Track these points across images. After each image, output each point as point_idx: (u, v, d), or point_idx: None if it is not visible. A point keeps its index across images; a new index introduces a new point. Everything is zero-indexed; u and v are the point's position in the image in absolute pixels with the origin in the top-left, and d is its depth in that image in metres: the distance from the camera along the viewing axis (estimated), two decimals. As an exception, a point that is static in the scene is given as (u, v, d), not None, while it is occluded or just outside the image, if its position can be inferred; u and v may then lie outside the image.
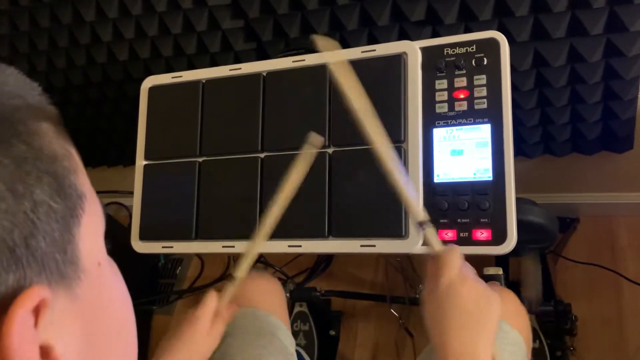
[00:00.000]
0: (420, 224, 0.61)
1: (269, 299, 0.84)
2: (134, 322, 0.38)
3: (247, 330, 0.77)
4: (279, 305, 0.85)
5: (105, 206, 1.68)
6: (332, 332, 1.33)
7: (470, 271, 0.59)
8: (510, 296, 0.78)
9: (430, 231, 0.61)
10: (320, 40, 0.62)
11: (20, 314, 0.26)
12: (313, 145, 0.67)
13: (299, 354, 1.24)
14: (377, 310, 1.36)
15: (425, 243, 0.63)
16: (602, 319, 1.20)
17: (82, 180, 0.33)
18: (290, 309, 1.32)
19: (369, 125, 0.60)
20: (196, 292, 1.53)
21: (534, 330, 1.13)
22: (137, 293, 1.51)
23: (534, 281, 1.11)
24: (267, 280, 0.88)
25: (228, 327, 0.78)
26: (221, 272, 1.49)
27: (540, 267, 1.10)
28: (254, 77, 0.84)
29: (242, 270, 0.69)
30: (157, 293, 1.61)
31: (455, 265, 0.57)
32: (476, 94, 0.73)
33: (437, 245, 0.61)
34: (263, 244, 0.68)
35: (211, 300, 0.69)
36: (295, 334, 1.30)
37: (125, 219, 1.66)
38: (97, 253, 0.34)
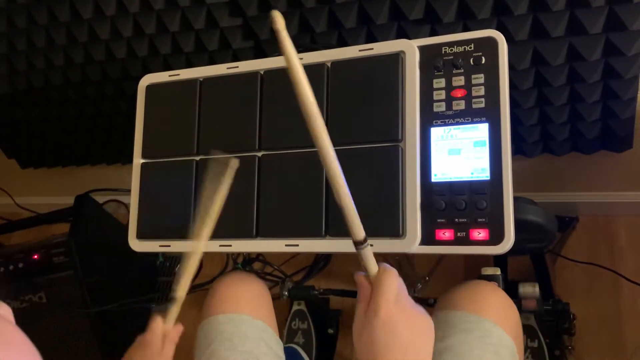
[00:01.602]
0: (359, 244, 0.57)
1: (254, 303, 0.84)
2: None
3: (232, 337, 0.77)
4: (264, 308, 0.85)
5: (105, 204, 1.68)
6: (331, 331, 1.33)
7: (404, 293, 0.57)
8: (497, 292, 0.77)
9: (367, 251, 0.58)
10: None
11: None
12: (232, 168, 0.71)
13: (297, 353, 1.25)
14: (376, 309, 1.36)
15: (361, 262, 0.59)
16: (600, 318, 1.20)
17: None
18: (289, 307, 1.32)
19: (316, 130, 0.54)
20: (194, 290, 1.53)
21: (532, 330, 1.13)
22: (135, 291, 1.51)
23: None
24: (251, 283, 0.88)
25: (212, 333, 0.79)
26: (220, 270, 1.49)
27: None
28: (251, 75, 0.84)
29: (182, 289, 0.71)
30: (156, 291, 1.61)
31: (393, 291, 0.55)
32: (474, 93, 0.72)
33: (373, 267, 0.58)
34: (198, 260, 0.71)
35: (157, 325, 0.71)
36: (293, 333, 1.30)
37: (124, 217, 1.66)
38: None
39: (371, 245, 0.58)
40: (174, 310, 0.72)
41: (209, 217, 0.70)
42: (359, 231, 0.56)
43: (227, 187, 0.71)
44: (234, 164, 0.71)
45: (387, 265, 0.58)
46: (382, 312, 0.54)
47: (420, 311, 0.57)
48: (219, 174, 0.71)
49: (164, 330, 0.71)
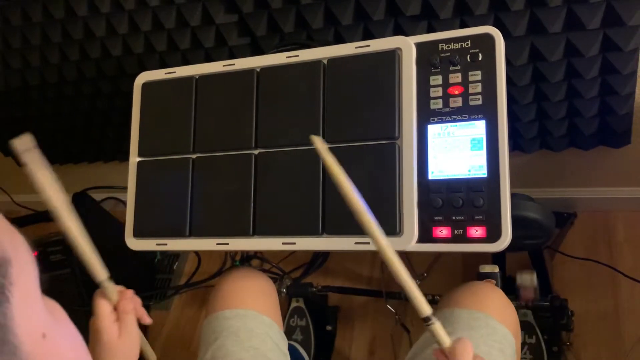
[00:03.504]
0: (426, 320, 0.56)
1: (261, 299, 0.84)
2: None
3: (238, 331, 0.77)
4: (270, 304, 0.84)
5: (102, 202, 1.68)
6: (329, 328, 1.33)
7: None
8: (497, 293, 0.78)
9: (437, 326, 0.57)
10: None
11: None
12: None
13: (296, 350, 1.25)
14: (374, 306, 1.36)
15: (434, 338, 0.58)
16: (598, 314, 1.20)
17: (2, 239, 0.27)
18: (287, 304, 1.32)
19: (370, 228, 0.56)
20: (193, 288, 1.53)
21: (530, 326, 1.13)
22: (134, 288, 1.50)
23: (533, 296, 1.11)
24: (258, 278, 0.88)
25: (219, 328, 0.78)
26: (218, 267, 1.49)
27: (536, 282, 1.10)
28: (247, 72, 0.83)
29: (100, 274, 0.66)
30: (154, 288, 1.61)
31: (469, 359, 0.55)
32: (471, 90, 0.72)
33: (446, 340, 0.57)
34: (89, 246, 0.65)
35: (101, 306, 0.65)
36: (292, 330, 1.30)
37: (121, 215, 1.65)
38: (39, 324, 0.29)
39: (439, 321, 0.57)
40: (109, 287, 0.66)
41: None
42: (425, 308, 0.56)
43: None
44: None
45: (462, 338, 0.57)
46: None
47: None
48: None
49: (110, 308, 0.66)
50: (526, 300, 1.10)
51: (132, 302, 0.67)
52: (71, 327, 0.34)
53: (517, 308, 1.11)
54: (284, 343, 0.82)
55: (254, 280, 0.87)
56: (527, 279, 1.08)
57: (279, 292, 1.25)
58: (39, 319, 0.29)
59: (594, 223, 1.31)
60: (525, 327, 1.13)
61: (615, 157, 1.16)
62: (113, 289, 0.67)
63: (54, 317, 0.31)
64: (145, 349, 0.73)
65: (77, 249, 0.65)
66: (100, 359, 0.63)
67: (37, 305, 0.29)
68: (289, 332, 1.30)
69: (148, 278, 1.63)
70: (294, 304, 1.32)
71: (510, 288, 1.07)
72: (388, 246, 0.56)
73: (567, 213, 1.32)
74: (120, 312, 0.66)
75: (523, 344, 1.12)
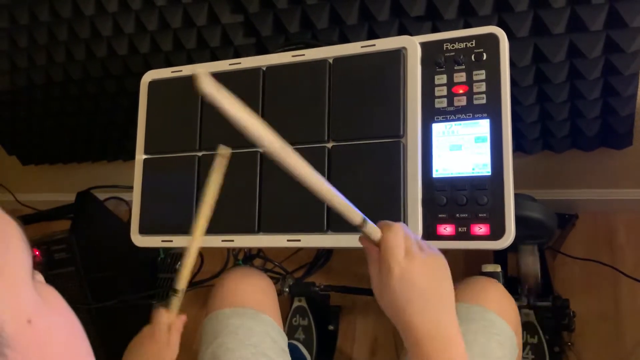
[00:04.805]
0: (360, 226, 0.57)
1: (260, 297, 0.84)
2: (87, 355, 0.34)
3: (238, 330, 0.78)
4: (270, 303, 0.85)
5: (105, 201, 1.68)
6: (331, 327, 1.34)
7: (411, 243, 0.57)
8: (497, 286, 0.79)
9: (370, 229, 0.58)
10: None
11: None
12: (223, 156, 0.70)
13: (298, 349, 1.25)
14: (376, 305, 1.34)
15: (366, 238, 0.59)
16: (600, 314, 1.20)
17: None
18: (289, 303, 1.33)
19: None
20: (195, 287, 1.53)
21: (532, 326, 1.13)
22: (136, 287, 1.51)
23: (533, 271, 1.11)
24: (258, 277, 0.89)
25: (219, 327, 0.80)
26: (221, 267, 1.49)
27: (538, 258, 1.10)
28: (253, 71, 0.84)
29: (183, 282, 0.74)
30: (156, 287, 1.62)
31: (400, 247, 0.56)
32: (475, 89, 0.73)
33: (377, 234, 0.58)
34: (197, 250, 0.74)
35: (162, 316, 0.73)
36: (294, 329, 1.30)
37: (125, 214, 1.66)
38: (24, 310, 0.29)
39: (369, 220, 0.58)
40: (176, 301, 0.74)
41: (204, 206, 0.72)
42: (355, 216, 0.57)
43: (219, 176, 0.71)
44: (225, 152, 0.71)
45: (388, 222, 0.58)
46: (395, 271, 0.55)
47: (429, 253, 0.58)
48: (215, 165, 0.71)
49: (168, 321, 0.73)
50: (528, 286, 1.11)
51: (182, 325, 0.75)
52: (68, 316, 0.33)
53: (520, 308, 1.12)
54: (283, 341, 0.83)
55: (253, 279, 0.88)
56: (530, 262, 1.09)
57: (282, 292, 1.25)
58: (24, 303, 0.29)
59: (596, 224, 1.32)
60: (527, 327, 1.13)
61: (617, 158, 1.16)
62: (178, 304, 0.74)
63: (48, 305, 0.31)
64: None
65: (189, 249, 0.73)
66: (149, 358, 0.71)
67: (23, 290, 0.29)
68: (291, 332, 1.30)
69: (150, 277, 1.63)
70: (296, 304, 1.32)
71: (512, 288, 1.08)
72: (293, 157, 0.52)
73: (569, 214, 1.32)
74: (174, 328, 0.74)
75: (525, 344, 1.13)
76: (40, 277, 0.34)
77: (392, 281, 0.55)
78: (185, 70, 0.89)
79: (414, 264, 0.56)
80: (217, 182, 0.71)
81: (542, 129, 1.12)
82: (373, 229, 0.58)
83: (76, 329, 0.34)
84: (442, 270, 0.58)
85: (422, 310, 0.55)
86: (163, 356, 0.72)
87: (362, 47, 0.78)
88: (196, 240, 0.73)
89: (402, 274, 0.55)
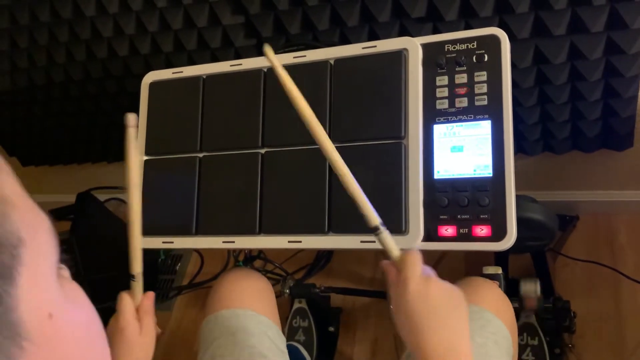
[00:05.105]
0: (375, 229, 0.58)
1: (258, 299, 0.85)
2: (105, 354, 0.34)
3: (236, 331, 0.78)
4: (267, 304, 0.85)
5: (106, 202, 1.68)
6: (331, 329, 1.34)
7: (429, 270, 0.58)
8: (493, 287, 0.80)
9: (385, 236, 0.59)
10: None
11: None
12: (130, 125, 0.67)
13: (298, 351, 1.25)
14: (377, 307, 1.36)
15: (382, 248, 0.60)
16: (601, 316, 1.20)
17: (16, 218, 0.27)
18: (290, 305, 1.33)
19: (316, 129, 0.60)
20: (196, 288, 1.53)
21: (533, 328, 1.13)
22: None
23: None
24: (255, 279, 0.89)
25: (217, 328, 0.79)
26: (221, 268, 1.49)
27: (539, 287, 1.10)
28: (254, 72, 0.84)
29: (136, 265, 0.70)
30: (157, 289, 1.62)
31: (418, 268, 0.56)
32: (477, 91, 0.73)
33: (395, 251, 0.59)
34: (140, 237, 0.71)
35: (126, 304, 0.68)
36: (294, 331, 1.30)
37: (125, 215, 1.66)
38: (46, 304, 0.28)
39: (388, 230, 0.59)
40: (137, 286, 0.70)
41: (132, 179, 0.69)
42: (373, 218, 0.58)
43: (133, 147, 0.66)
44: (132, 120, 0.66)
45: (411, 249, 0.59)
46: (412, 286, 0.55)
47: (448, 283, 0.58)
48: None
49: (135, 306, 0.69)
50: (530, 308, 1.11)
51: (151, 305, 0.70)
52: (90, 313, 0.34)
53: (520, 310, 1.12)
54: (282, 342, 0.83)
55: (251, 280, 0.88)
56: (531, 288, 1.09)
57: (282, 293, 1.25)
58: (47, 298, 0.28)
59: (596, 226, 1.32)
60: (528, 329, 1.13)
61: (618, 160, 1.16)
62: (140, 288, 0.70)
63: (70, 300, 0.31)
64: None
65: (129, 232, 0.70)
66: (120, 355, 0.65)
67: (47, 284, 0.29)
68: (291, 333, 1.30)
69: (150, 278, 1.63)
70: (296, 305, 1.32)
71: (513, 290, 1.08)
72: (334, 152, 0.60)
73: (570, 216, 1.32)
74: (143, 312, 0.69)
75: (526, 345, 1.13)
76: (66, 273, 0.34)
77: (408, 295, 0.55)
78: (186, 71, 0.89)
79: (431, 282, 0.56)
80: (135, 159, 0.67)
81: (543, 130, 1.12)
82: (388, 240, 0.59)
83: (96, 327, 0.34)
84: (459, 297, 0.57)
85: (434, 329, 0.54)
86: (140, 347, 0.67)
87: (363, 48, 0.78)
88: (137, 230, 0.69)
89: (419, 289, 0.55)
